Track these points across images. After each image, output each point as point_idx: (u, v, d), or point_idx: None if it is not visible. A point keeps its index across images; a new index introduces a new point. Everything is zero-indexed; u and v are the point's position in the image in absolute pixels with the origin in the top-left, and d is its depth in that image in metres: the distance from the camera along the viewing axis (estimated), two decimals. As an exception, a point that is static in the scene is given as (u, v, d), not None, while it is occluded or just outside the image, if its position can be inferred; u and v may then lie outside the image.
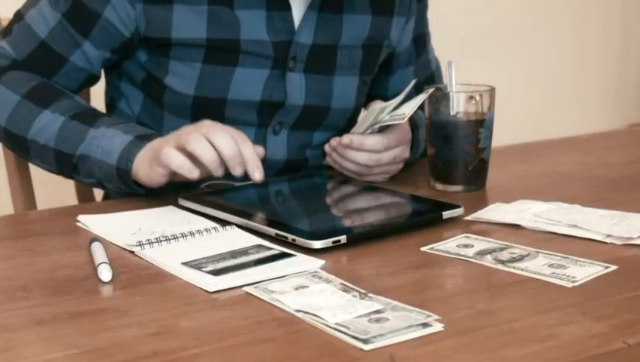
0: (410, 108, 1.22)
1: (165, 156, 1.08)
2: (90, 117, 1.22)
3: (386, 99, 1.34)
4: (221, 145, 1.07)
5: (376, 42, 1.36)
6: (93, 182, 1.23)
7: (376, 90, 1.44)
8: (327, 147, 1.26)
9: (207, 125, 1.10)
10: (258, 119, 1.30)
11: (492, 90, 1.23)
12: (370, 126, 1.24)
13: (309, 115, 1.32)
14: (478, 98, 1.21)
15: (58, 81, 1.27)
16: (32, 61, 1.27)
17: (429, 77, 1.47)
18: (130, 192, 1.19)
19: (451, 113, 1.20)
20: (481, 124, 1.20)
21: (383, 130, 1.25)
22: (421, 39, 1.45)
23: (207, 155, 1.07)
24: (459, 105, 1.21)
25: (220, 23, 1.24)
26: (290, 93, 1.29)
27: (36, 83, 1.25)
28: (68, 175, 1.25)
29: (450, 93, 1.21)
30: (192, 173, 1.07)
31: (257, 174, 1.08)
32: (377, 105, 1.25)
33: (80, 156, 1.20)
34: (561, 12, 3.13)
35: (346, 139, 1.23)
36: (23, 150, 1.26)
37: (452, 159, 1.21)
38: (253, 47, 1.26)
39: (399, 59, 1.42)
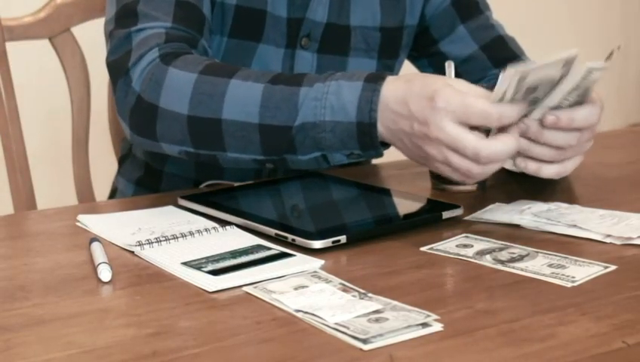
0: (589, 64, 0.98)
1: (433, 167, 1.01)
2: (293, 77, 1.05)
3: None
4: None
5: (394, 25, 1.36)
6: (317, 156, 1.05)
7: (440, 67, 1.35)
8: (550, 117, 1.00)
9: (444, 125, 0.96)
10: None
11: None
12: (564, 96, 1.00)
13: None
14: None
15: (205, 43, 1.19)
16: (180, 20, 1.17)
17: (497, 39, 1.40)
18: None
19: (451, 113, 1.20)
20: (481, 124, 1.20)
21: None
22: (463, 3, 1.40)
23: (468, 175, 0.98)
24: (459, 106, 1.20)
25: None
26: (298, 72, 1.29)
27: (210, 61, 1.11)
28: (278, 158, 1.06)
29: (450, 93, 1.21)
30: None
31: None
32: (513, 71, 0.96)
33: (301, 126, 1.02)
34: (561, 12, 3.13)
35: (550, 117, 0.99)
36: (216, 142, 1.07)
37: (452, 159, 1.21)
38: (273, 21, 1.25)
39: (436, 27, 1.40)
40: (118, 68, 1.14)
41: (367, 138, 1.01)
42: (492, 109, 0.96)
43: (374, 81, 1.01)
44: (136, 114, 1.12)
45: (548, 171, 1.02)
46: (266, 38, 1.27)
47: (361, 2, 1.31)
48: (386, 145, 1.04)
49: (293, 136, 1.02)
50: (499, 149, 0.96)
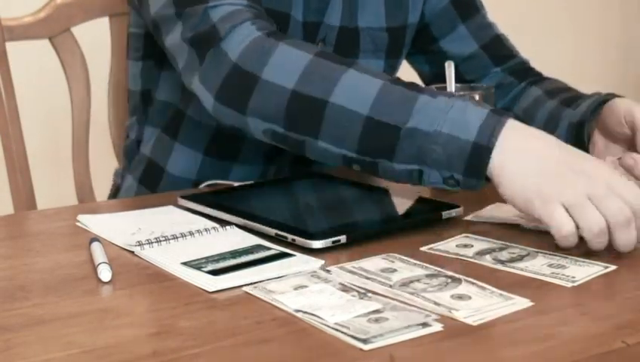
0: None
1: (551, 219, 0.92)
2: (412, 84, 1.02)
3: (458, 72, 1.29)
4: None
5: (398, 25, 1.36)
6: (413, 170, 0.99)
7: (438, 64, 1.38)
8: (629, 160, 1.04)
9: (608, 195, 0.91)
10: None
11: (492, 90, 1.23)
12: None
13: None
14: (477, 98, 1.21)
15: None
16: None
17: (495, 38, 1.42)
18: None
19: (451, 113, 1.20)
20: (481, 124, 1.20)
21: None
22: (462, 2, 1.42)
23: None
24: (458, 105, 1.20)
25: None
26: None
27: (323, 49, 1.10)
28: (371, 161, 1.01)
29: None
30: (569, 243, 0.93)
31: None
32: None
33: (411, 131, 0.97)
34: (561, 12, 3.13)
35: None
36: (313, 125, 1.03)
37: (452, 159, 1.21)
38: (294, 25, 1.26)
39: (437, 26, 1.41)
40: (205, 40, 1.11)
41: (477, 162, 0.95)
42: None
43: (500, 113, 0.98)
44: (230, 83, 1.09)
45: None
46: None
47: (366, 4, 1.32)
48: (487, 180, 0.97)
49: (398, 139, 0.97)
50: None
